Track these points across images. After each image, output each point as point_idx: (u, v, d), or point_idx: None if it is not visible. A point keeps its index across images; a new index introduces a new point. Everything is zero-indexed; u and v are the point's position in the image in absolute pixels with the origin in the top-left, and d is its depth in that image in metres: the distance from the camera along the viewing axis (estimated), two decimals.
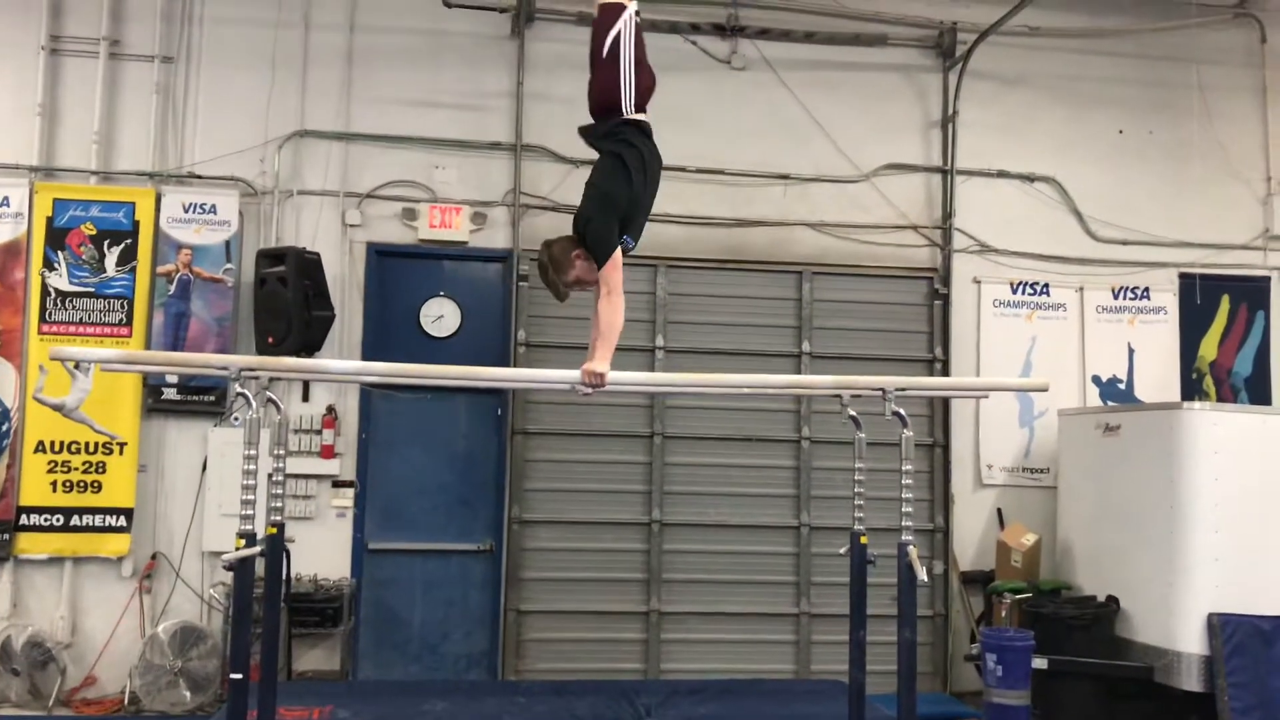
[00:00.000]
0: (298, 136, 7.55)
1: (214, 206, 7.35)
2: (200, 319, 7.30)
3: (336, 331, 7.33)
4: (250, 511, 3.92)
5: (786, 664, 7.67)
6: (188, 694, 6.75)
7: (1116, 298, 8.26)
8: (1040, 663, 6.51)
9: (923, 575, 4.19)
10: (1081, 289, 8.24)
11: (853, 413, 4.57)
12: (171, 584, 7.18)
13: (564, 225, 4.49)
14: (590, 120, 4.45)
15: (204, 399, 7.28)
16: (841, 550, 4.77)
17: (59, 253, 7.19)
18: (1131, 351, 8.24)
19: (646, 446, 7.71)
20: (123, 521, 7.11)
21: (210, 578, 7.14)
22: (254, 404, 4.02)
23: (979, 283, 8.14)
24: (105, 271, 7.23)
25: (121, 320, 7.22)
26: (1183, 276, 8.33)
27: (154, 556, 7.21)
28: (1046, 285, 8.20)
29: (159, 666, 6.72)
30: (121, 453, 7.12)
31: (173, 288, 7.29)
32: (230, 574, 4.07)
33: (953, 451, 7.96)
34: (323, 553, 7.23)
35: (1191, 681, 6.32)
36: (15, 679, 6.73)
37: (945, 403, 7.92)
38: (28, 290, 7.16)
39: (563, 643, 7.52)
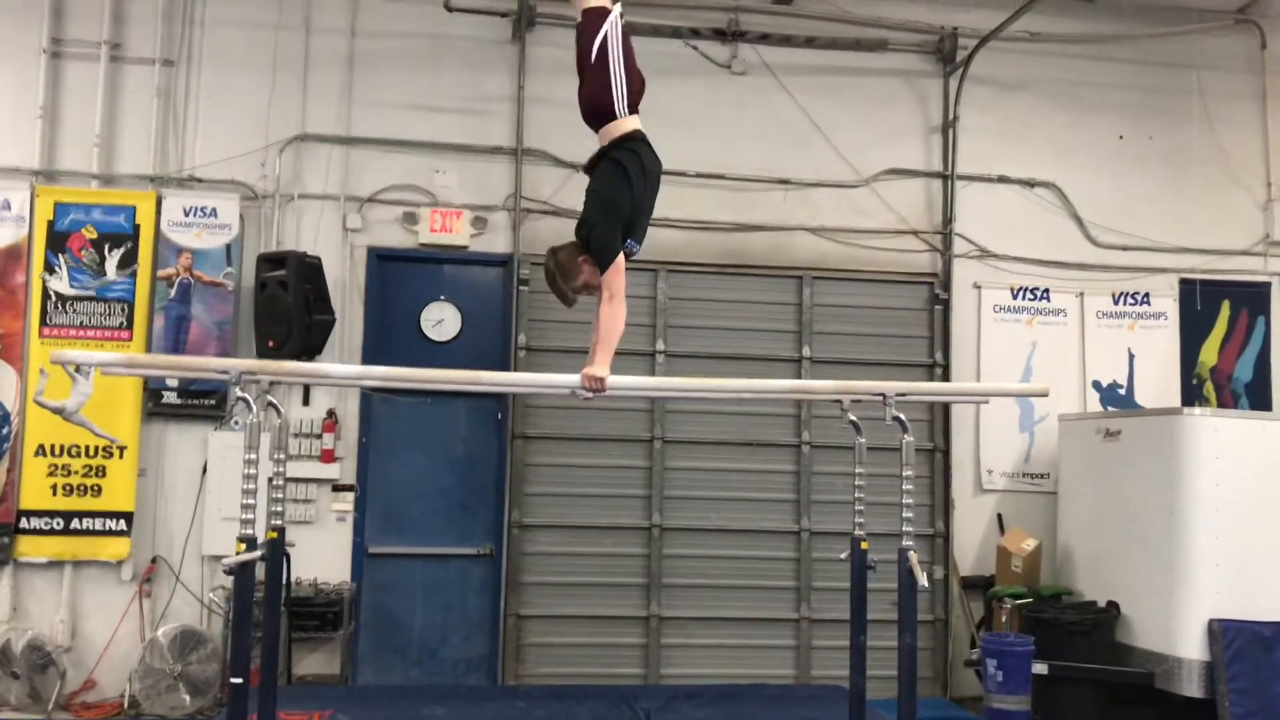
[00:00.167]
0: (298, 140, 7.55)
1: (215, 210, 7.35)
2: (201, 323, 7.30)
3: (337, 335, 7.33)
4: (250, 515, 3.92)
5: (787, 669, 7.66)
6: (187, 698, 6.73)
7: (1117, 303, 8.26)
8: (1040, 668, 6.52)
9: (923, 580, 4.19)
10: (1082, 294, 8.23)
11: (853, 418, 4.55)
12: (171, 588, 7.17)
13: (564, 229, 4.50)
14: (586, 122, 4.47)
15: (204, 403, 7.28)
16: (842, 555, 4.77)
17: (60, 256, 7.19)
18: (1132, 357, 8.24)
19: (646, 451, 7.71)
20: (123, 525, 7.10)
21: (210, 581, 7.13)
22: (254, 408, 4.02)
23: (979, 288, 8.14)
24: (106, 275, 7.23)
25: (122, 324, 7.22)
26: (1183, 282, 8.33)
27: (154, 560, 7.20)
28: (1047, 290, 8.20)
29: (159, 670, 6.71)
30: (122, 456, 7.11)
31: (173, 291, 7.29)
32: (230, 578, 4.06)
33: (953, 456, 7.96)
34: (323, 557, 7.23)
35: (1192, 687, 6.31)
36: (15, 682, 6.72)
37: (946, 408, 7.92)
38: (28, 293, 7.16)
39: (562, 647, 7.51)
